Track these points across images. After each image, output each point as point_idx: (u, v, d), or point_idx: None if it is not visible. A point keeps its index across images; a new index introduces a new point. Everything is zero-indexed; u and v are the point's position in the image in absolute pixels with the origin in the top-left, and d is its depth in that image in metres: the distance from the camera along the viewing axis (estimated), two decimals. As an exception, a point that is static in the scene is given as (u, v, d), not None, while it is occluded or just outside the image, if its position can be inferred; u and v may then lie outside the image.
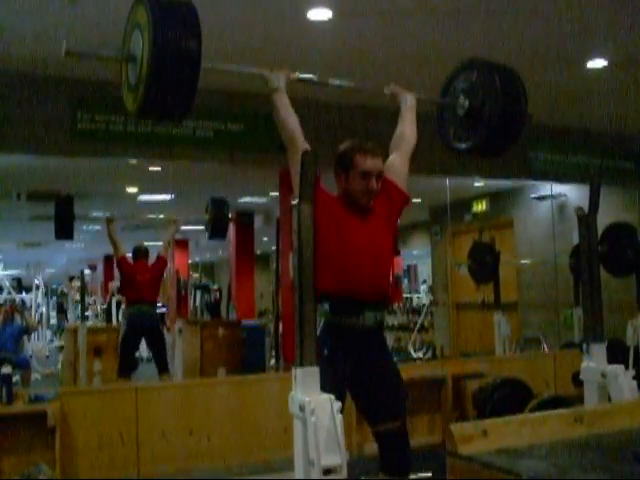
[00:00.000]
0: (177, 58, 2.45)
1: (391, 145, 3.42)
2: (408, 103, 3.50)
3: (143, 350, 10.88)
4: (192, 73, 2.49)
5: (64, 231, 7.37)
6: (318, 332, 2.87)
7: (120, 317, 11.42)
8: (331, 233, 2.95)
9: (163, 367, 7.12)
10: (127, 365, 7.13)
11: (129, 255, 7.32)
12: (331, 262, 2.94)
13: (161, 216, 8.74)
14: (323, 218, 2.89)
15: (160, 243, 7.62)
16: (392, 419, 3.04)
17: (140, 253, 7.27)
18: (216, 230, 8.28)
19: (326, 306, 2.96)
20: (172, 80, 2.47)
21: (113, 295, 12.75)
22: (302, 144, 3.02)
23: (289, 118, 3.10)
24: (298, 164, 2.50)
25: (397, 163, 3.33)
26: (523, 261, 9.54)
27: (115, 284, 9.11)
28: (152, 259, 7.36)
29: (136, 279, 7.00)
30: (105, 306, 14.26)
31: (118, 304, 12.41)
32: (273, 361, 8.80)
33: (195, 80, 2.51)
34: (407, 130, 3.43)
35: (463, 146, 3.62)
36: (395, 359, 4.11)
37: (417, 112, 3.58)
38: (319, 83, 3.62)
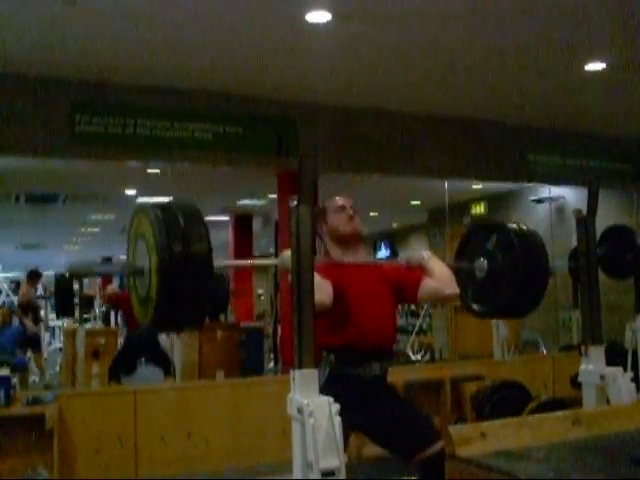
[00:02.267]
0: (187, 273, 2.30)
1: (434, 285, 3.20)
2: (426, 259, 3.26)
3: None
4: (204, 282, 2.34)
5: (65, 309, 7.51)
6: (322, 381, 2.87)
7: (119, 319, 11.42)
8: (335, 298, 2.92)
9: (167, 372, 7.15)
10: (116, 375, 7.15)
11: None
12: (335, 319, 2.96)
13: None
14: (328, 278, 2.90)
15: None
16: (427, 444, 2.96)
17: None
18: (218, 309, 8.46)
19: (331, 357, 2.99)
20: (183, 296, 2.33)
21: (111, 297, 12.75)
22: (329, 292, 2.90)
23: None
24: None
25: (431, 285, 3.15)
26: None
27: (113, 287, 9.13)
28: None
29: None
30: (104, 309, 14.27)
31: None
32: (271, 364, 8.80)
33: (207, 287, 2.38)
34: (447, 291, 3.18)
35: (483, 309, 3.55)
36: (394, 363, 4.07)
37: (411, 113, 3.56)
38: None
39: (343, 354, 2.99)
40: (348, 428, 2.72)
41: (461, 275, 3.51)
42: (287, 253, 2.51)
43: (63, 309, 7.53)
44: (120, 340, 8.13)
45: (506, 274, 3.33)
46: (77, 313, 8.45)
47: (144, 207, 2.45)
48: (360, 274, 3.13)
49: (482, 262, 3.44)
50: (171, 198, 10.01)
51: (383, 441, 3.13)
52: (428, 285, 3.15)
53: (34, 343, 9.59)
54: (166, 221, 2.33)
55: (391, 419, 3.05)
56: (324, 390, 2.64)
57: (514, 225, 3.52)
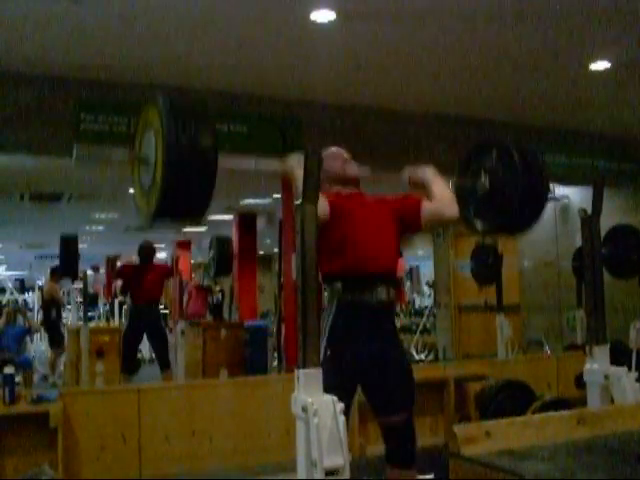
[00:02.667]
0: (193, 162, 2.36)
1: (433, 205, 3.22)
2: (429, 175, 3.32)
3: (145, 352, 10.91)
4: (209, 175, 2.40)
5: (69, 270, 7.52)
6: (331, 313, 2.91)
7: (123, 317, 11.47)
8: (335, 221, 2.96)
9: (165, 363, 7.20)
10: (130, 360, 7.22)
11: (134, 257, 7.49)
12: (338, 246, 2.99)
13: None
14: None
15: (162, 244, 7.75)
16: (399, 413, 3.03)
17: (146, 253, 7.43)
18: (220, 268, 8.60)
19: (338, 285, 2.98)
20: (188, 185, 2.38)
21: (115, 296, 12.79)
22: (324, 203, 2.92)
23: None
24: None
25: (430, 208, 3.17)
26: (526, 263, 9.54)
27: (118, 284, 9.20)
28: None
29: (141, 281, 7.17)
30: (108, 307, 14.30)
31: (121, 305, 12.44)
32: (275, 362, 8.80)
33: (212, 182, 2.41)
34: (447, 212, 3.18)
35: (485, 226, 3.59)
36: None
37: (416, 112, 3.56)
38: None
39: (347, 280, 2.98)
40: (351, 369, 2.78)
41: (463, 193, 3.55)
42: (294, 156, 2.65)
43: (68, 271, 7.54)
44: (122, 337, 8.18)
45: (507, 190, 3.38)
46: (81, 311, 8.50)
47: (155, 97, 2.49)
48: (360, 204, 3.16)
49: (484, 179, 3.46)
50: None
51: (369, 389, 3.11)
52: (429, 207, 3.17)
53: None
54: (175, 111, 2.36)
55: (383, 371, 3.02)
56: (335, 319, 2.67)
57: (514, 143, 3.54)
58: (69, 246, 7.47)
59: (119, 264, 8.70)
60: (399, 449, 3.06)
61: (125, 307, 11.19)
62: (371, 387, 3.08)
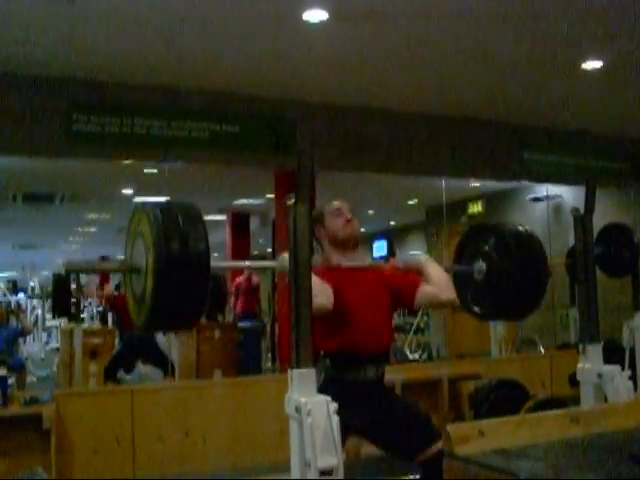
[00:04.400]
0: (184, 272, 2.29)
1: (430, 289, 3.18)
2: (422, 262, 3.25)
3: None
4: (201, 283, 2.33)
5: (62, 308, 7.50)
6: (317, 386, 2.86)
7: (114, 320, 11.41)
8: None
9: (166, 372, 7.15)
10: (113, 375, 7.14)
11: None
12: (332, 323, 2.96)
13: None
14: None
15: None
16: (428, 444, 2.96)
17: None
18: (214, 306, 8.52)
19: (327, 361, 3.00)
20: (180, 296, 2.32)
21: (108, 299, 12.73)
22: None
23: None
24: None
25: (427, 290, 3.14)
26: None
27: (110, 288, 9.10)
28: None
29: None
30: (100, 308, 14.24)
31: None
32: (269, 363, 8.80)
33: (205, 289, 2.35)
34: (444, 297, 3.16)
35: (483, 311, 3.53)
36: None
37: (409, 112, 3.55)
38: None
39: (339, 358, 2.99)
40: (346, 431, 2.73)
41: (460, 277, 3.51)
42: (285, 256, 2.50)
43: (61, 309, 7.52)
44: (116, 341, 8.12)
45: (505, 276, 3.31)
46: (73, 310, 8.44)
47: (144, 207, 2.45)
48: (358, 278, 3.12)
49: (480, 264, 3.42)
50: (169, 198, 10.01)
51: (383, 443, 3.13)
52: (425, 291, 3.14)
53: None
54: (165, 221, 2.32)
55: (390, 420, 3.04)
56: (321, 392, 2.63)
57: (511, 226, 3.50)
58: (61, 285, 7.46)
59: (106, 290, 8.50)
60: None
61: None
62: (381, 441, 3.10)
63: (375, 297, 3.11)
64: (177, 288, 2.29)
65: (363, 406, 2.98)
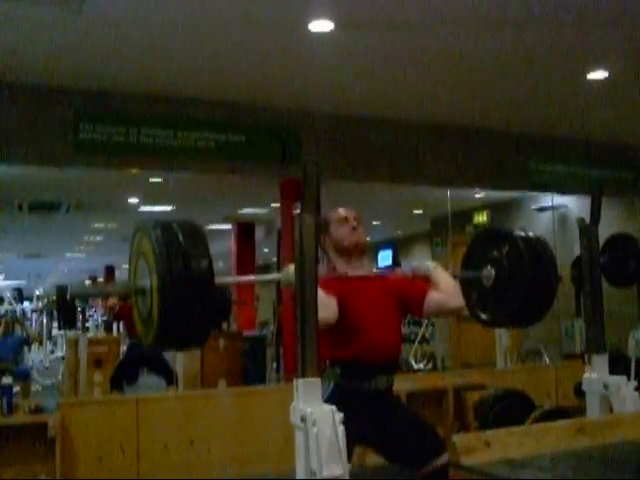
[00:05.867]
0: (188, 290, 2.28)
1: (440, 296, 3.22)
2: (431, 269, 3.28)
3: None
4: (206, 299, 2.32)
5: (68, 322, 7.50)
6: (324, 394, 2.84)
7: (121, 328, 11.41)
8: (340, 304, 2.92)
9: (170, 382, 7.12)
10: (119, 385, 7.12)
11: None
12: (341, 333, 2.95)
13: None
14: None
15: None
16: (433, 457, 2.96)
17: None
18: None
19: (337, 370, 2.97)
20: (185, 314, 2.31)
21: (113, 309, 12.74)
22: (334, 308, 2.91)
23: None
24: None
25: (436, 298, 3.17)
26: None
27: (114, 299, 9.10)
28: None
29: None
30: (105, 317, 14.25)
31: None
32: (274, 372, 8.79)
33: (210, 311, 2.35)
34: (447, 299, 3.20)
35: (490, 318, 3.49)
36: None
37: (415, 122, 3.56)
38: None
39: (349, 368, 2.97)
40: (352, 441, 2.72)
41: (468, 284, 3.49)
42: (290, 268, 2.49)
43: (66, 322, 7.52)
44: (123, 348, 8.11)
45: (514, 282, 3.29)
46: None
47: (145, 226, 2.44)
48: (365, 287, 3.11)
49: (489, 270, 3.41)
50: (173, 207, 10.02)
51: (389, 454, 3.12)
52: (434, 297, 3.14)
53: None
54: (166, 241, 2.32)
55: (397, 431, 3.03)
56: (328, 400, 2.62)
57: (521, 232, 3.49)
58: (65, 298, 7.46)
59: (110, 302, 8.44)
60: None
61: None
62: (388, 452, 3.09)
63: (383, 306, 3.09)
64: (183, 308, 2.28)
65: (371, 416, 2.97)
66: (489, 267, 3.38)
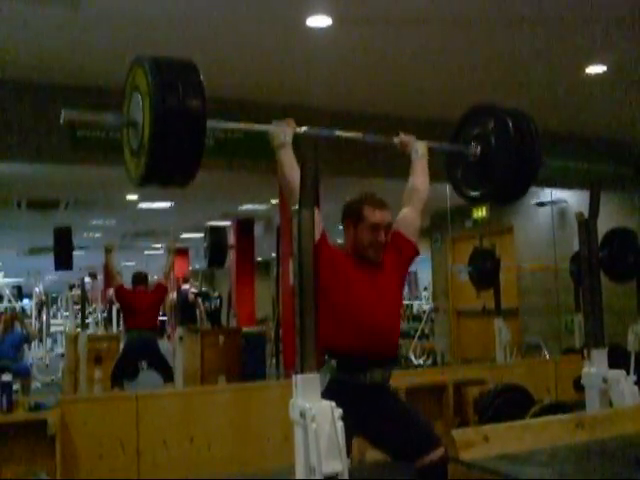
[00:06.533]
0: (180, 123, 2.32)
1: (403, 197, 3.33)
2: (419, 152, 3.40)
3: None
4: (197, 136, 2.36)
5: (64, 262, 7.41)
6: (323, 389, 2.85)
7: (121, 325, 11.42)
8: (339, 290, 2.93)
9: (167, 378, 7.10)
10: (119, 381, 7.11)
11: (127, 285, 7.32)
12: (339, 319, 2.93)
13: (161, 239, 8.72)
14: (330, 274, 2.88)
15: (160, 251, 7.64)
16: (428, 451, 2.95)
17: (139, 279, 7.28)
18: (214, 259, 8.35)
19: (333, 362, 2.94)
20: (176, 147, 2.34)
21: (112, 303, 12.73)
22: None
23: (294, 175, 2.87)
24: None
25: (409, 217, 3.25)
26: (523, 267, 9.54)
27: (112, 292, 9.08)
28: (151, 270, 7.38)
29: (135, 307, 6.98)
30: (105, 314, 14.27)
31: (118, 312, 12.41)
32: (274, 368, 8.80)
33: (201, 143, 2.38)
34: (419, 182, 3.34)
35: (474, 194, 3.56)
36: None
37: (412, 117, 3.57)
38: (326, 136, 3.52)
39: (346, 360, 2.95)
40: (350, 435, 2.72)
41: (454, 163, 3.68)
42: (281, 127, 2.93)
43: (62, 261, 7.41)
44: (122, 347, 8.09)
45: (498, 157, 3.36)
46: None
47: (140, 60, 2.47)
48: (366, 276, 3.03)
49: (474, 146, 3.46)
50: (172, 204, 10.01)
51: (384, 446, 3.12)
52: (408, 219, 3.24)
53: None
54: (162, 71, 2.36)
55: (392, 424, 3.02)
56: (325, 396, 2.62)
57: (508, 109, 3.50)
58: (63, 238, 7.39)
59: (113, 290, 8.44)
60: None
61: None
62: (383, 444, 3.09)
63: (386, 297, 3.04)
64: (173, 139, 2.32)
65: (368, 409, 2.96)
66: (474, 143, 3.47)
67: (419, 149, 3.41)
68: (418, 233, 3.28)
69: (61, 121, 2.48)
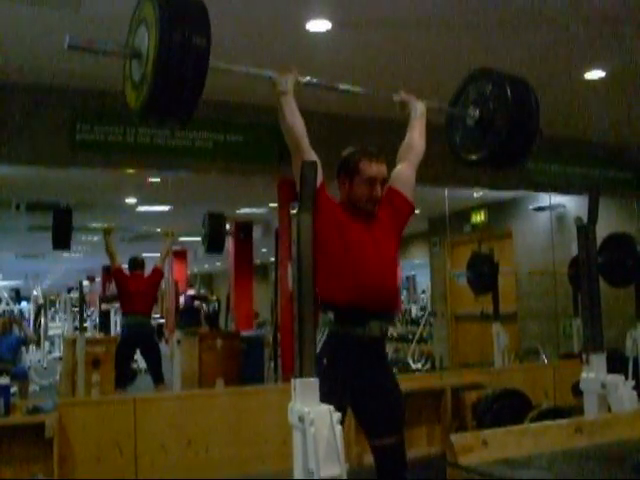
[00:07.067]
0: (184, 56, 2.34)
1: (399, 154, 3.34)
2: (418, 112, 3.45)
3: (141, 361, 10.90)
4: (199, 72, 2.38)
5: (62, 241, 7.36)
6: (320, 341, 2.84)
7: (118, 327, 11.42)
8: (336, 241, 2.92)
9: (158, 378, 7.10)
10: (124, 375, 7.13)
11: (125, 266, 7.34)
12: (336, 271, 2.91)
13: (158, 230, 8.71)
14: (328, 225, 2.89)
15: (158, 255, 7.64)
16: (390, 434, 2.99)
17: (136, 264, 7.30)
18: (213, 244, 8.25)
19: (331, 315, 2.91)
20: (178, 78, 2.36)
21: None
22: (308, 150, 2.96)
23: (296, 123, 2.97)
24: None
25: (404, 173, 3.25)
26: (522, 272, 9.54)
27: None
28: (148, 270, 7.38)
29: (131, 290, 7.01)
30: (103, 318, 14.24)
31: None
32: (272, 372, 8.78)
33: (202, 79, 2.41)
34: (416, 140, 3.37)
35: (472, 157, 3.58)
36: (394, 370, 4.06)
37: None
38: (327, 87, 3.55)
39: (343, 313, 2.91)
40: (340, 394, 2.72)
41: (452, 124, 3.75)
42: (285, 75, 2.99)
43: (60, 241, 7.38)
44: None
45: (496, 121, 3.38)
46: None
47: None
48: (362, 228, 3.02)
49: (474, 110, 3.49)
50: (171, 207, 10.01)
51: (360, 413, 3.08)
52: (403, 175, 3.25)
53: None
54: (171, 4, 2.38)
55: (373, 394, 2.99)
56: (322, 350, 2.61)
57: (508, 74, 3.53)
58: (62, 218, 7.36)
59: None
60: (390, 471, 3.01)
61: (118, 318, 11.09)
62: (360, 410, 3.05)
63: (382, 250, 3.01)
64: (175, 70, 2.35)
65: (360, 365, 2.93)
66: (473, 107, 3.52)
67: (419, 108, 3.47)
68: (414, 191, 3.27)
69: (65, 46, 2.49)
